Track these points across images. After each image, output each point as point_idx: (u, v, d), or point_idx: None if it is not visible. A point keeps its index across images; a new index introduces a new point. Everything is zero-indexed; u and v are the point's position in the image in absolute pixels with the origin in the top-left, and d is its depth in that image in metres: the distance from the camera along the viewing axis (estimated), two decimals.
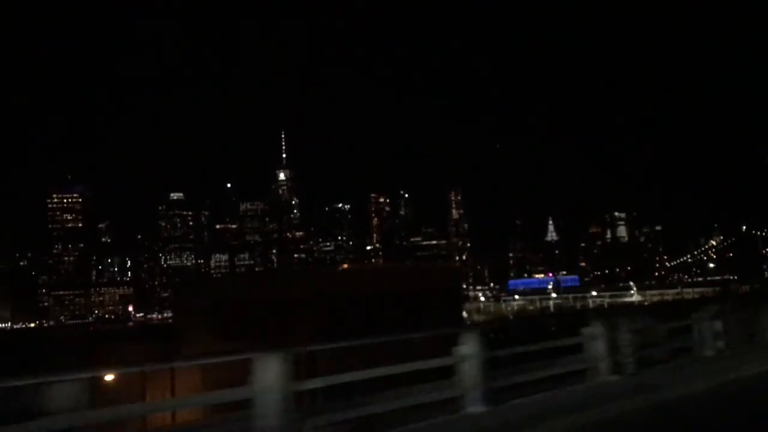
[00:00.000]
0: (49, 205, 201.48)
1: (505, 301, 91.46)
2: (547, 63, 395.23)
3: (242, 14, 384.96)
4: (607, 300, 68.60)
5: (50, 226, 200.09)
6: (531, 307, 68.27)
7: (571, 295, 76.73)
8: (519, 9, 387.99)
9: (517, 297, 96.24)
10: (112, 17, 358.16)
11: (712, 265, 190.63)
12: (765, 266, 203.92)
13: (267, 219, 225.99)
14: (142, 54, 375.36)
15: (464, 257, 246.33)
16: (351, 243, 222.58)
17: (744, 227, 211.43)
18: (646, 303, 64.18)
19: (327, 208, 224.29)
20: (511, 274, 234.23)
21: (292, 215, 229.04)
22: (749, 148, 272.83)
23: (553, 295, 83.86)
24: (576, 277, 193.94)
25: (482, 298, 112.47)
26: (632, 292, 78.48)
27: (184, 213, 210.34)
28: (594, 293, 79.44)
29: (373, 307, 12.12)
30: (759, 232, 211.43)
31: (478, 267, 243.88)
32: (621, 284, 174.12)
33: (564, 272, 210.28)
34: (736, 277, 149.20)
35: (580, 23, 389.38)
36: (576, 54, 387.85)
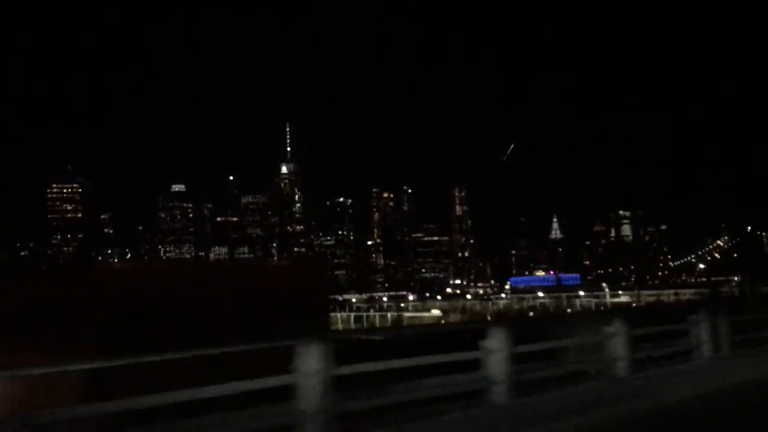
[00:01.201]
0: (49, 195, 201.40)
1: (490, 299, 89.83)
2: (552, 58, 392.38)
3: (246, 7, 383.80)
4: (595, 301, 67.02)
5: (49, 216, 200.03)
6: (517, 306, 66.68)
7: (564, 294, 75.47)
8: (521, 5, 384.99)
9: (503, 296, 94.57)
10: (115, 8, 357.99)
11: (702, 266, 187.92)
12: None
13: (269, 213, 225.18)
14: (146, 45, 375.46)
15: (466, 254, 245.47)
16: (352, 238, 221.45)
17: (749, 228, 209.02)
18: (634, 305, 62.47)
19: (328, 203, 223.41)
20: (513, 272, 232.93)
21: (294, 209, 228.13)
22: (756, 148, 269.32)
23: (540, 294, 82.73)
24: (577, 275, 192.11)
25: (468, 296, 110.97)
26: (620, 292, 76.79)
27: (184, 205, 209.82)
28: (582, 293, 77.84)
29: (200, 313, 10.52)
30: (764, 233, 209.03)
31: (480, 264, 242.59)
32: (623, 283, 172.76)
33: (556, 271, 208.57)
34: (737, 278, 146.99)
35: (585, 18, 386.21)
36: (581, 51, 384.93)
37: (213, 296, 10.25)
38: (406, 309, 74.37)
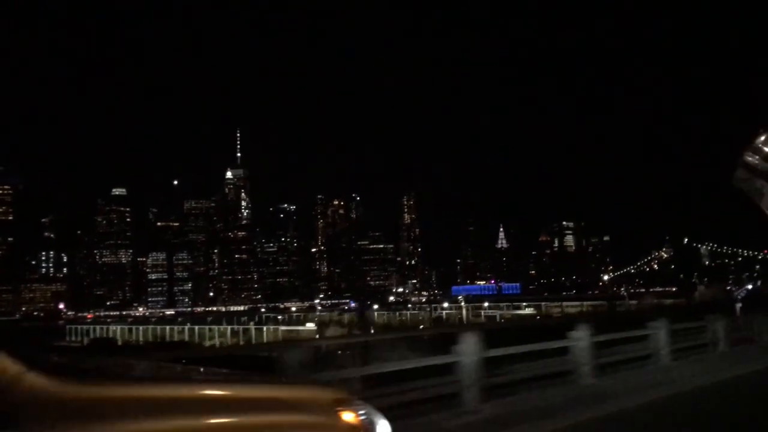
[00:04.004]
0: None
1: (398, 311, 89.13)
2: (500, 67, 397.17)
3: (197, 8, 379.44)
4: (499, 312, 66.83)
5: None
6: (420, 317, 65.92)
7: (471, 305, 75.36)
8: (481, 15, 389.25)
9: (410, 306, 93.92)
10: (55, 3, 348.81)
11: (604, 277, 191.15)
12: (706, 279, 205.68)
13: (215, 218, 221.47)
14: (89, 43, 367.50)
15: (413, 262, 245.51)
16: (295, 244, 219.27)
17: (686, 240, 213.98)
18: (538, 317, 62.22)
19: (271, 209, 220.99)
20: (458, 280, 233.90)
21: (240, 215, 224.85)
22: (702, 160, 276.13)
23: (446, 304, 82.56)
24: (517, 284, 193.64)
25: (375, 306, 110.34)
26: (524, 304, 76.53)
27: (122, 209, 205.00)
28: (486, 304, 77.67)
29: None
30: (701, 245, 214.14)
31: (425, 272, 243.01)
32: (564, 293, 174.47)
33: (498, 280, 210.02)
34: (674, 289, 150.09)
35: (531, 30, 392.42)
36: (529, 58, 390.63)
37: None
38: (284, 322, 72.98)
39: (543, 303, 75.89)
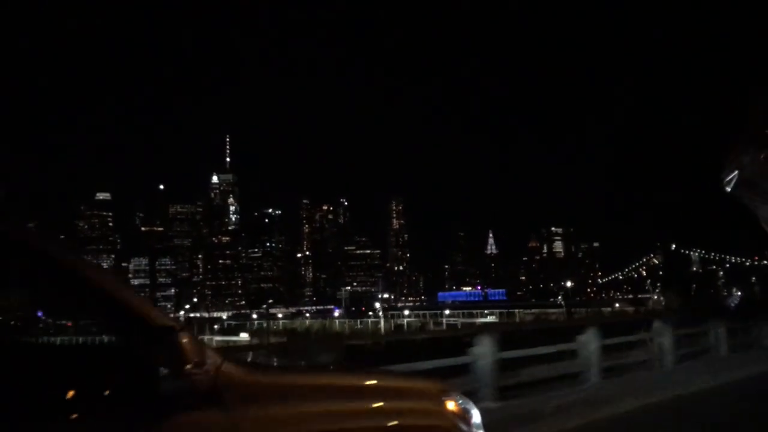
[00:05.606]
0: None
1: (359, 319, 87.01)
2: (488, 71, 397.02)
3: (186, 12, 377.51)
4: (461, 320, 64.74)
5: None
6: (380, 326, 63.72)
7: (427, 312, 74.63)
8: (459, 21, 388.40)
9: (371, 313, 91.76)
10: (41, 8, 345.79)
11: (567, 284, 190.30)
12: (694, 285, 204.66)
13: (201, 223, 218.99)
14: (79, 46, 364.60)
15: (401, 268, 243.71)
16: (280, 249, 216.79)
17: (673, 246, 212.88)
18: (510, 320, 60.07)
19: (256, 214, 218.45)
20: (446, 286, 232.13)
21: (227, 220, 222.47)
22: (694, 166, 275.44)
23: (406, 312, 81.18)
24: (503, 290, 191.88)
25: (336, 313, 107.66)
26: (486, 312, 74.60)
27: (104, 213, 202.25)
28: (447, 312, 75.75)
29: None
30: (691, 252, 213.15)
31: (413, 278, 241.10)
32: (551, 300, 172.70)
33: (484, 286, 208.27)
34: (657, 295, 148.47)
35: (518, 32, 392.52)
36: (517, 62, 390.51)
37: None
38: (219, 332, 70.56)
39: (505, 310, 73.52)
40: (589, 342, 13.18)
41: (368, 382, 3.16)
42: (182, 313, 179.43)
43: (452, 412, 3.18)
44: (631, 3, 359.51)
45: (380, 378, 3.33)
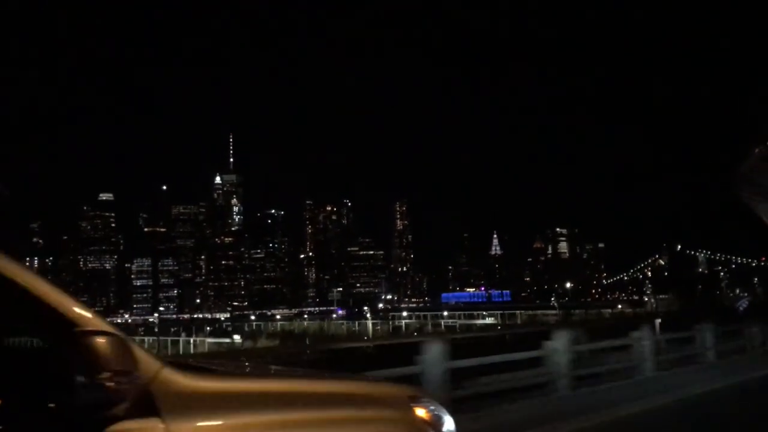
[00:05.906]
0: None
1: (357, 320, 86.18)
2: (491, 73, 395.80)
3: (190, 13, 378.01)
4: (459, 322, 63.98)
5: None
6: (378, 328, 62.90)
7: (423, 313, 74.21)
8: (461, 20, 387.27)
9: (368, 315, 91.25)
10: (44, 12, 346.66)
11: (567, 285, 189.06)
12: (699, 286, 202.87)
13: (204, 224, 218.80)
14: (83, 50, 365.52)
15: (405, 268, 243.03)
16: (284, 250, 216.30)
17: (679, 246, 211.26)
18: (499, 326, 58.85)
19: (258, 214, 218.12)
20: (450, 287, 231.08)
21: (231, 221, 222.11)
22: (698, 167, 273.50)
23: (405, 314, 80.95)
24: (508, 291, 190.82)
25: (335, 315, 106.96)
26: (485, 313, 73.82)
27: (107, 214, 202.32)
28: (446, 313, 75.21)
29: None
30: (694, 252, 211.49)
31: (417, 279, 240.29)
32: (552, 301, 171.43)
33: (488, 288, 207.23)
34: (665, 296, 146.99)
35: (525, 35, 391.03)
36: (522, 64, 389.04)
37: None
38: (210, 334, 69.33)
39: (503, 312, 72.64)
40: (558, 349, 12.39)
41: (328, 388, 2.89)
42: (156, 315, 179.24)
43: (422, 420, 2.94)
44: (644, 7, 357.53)
45: (341, 383, 3.08)
